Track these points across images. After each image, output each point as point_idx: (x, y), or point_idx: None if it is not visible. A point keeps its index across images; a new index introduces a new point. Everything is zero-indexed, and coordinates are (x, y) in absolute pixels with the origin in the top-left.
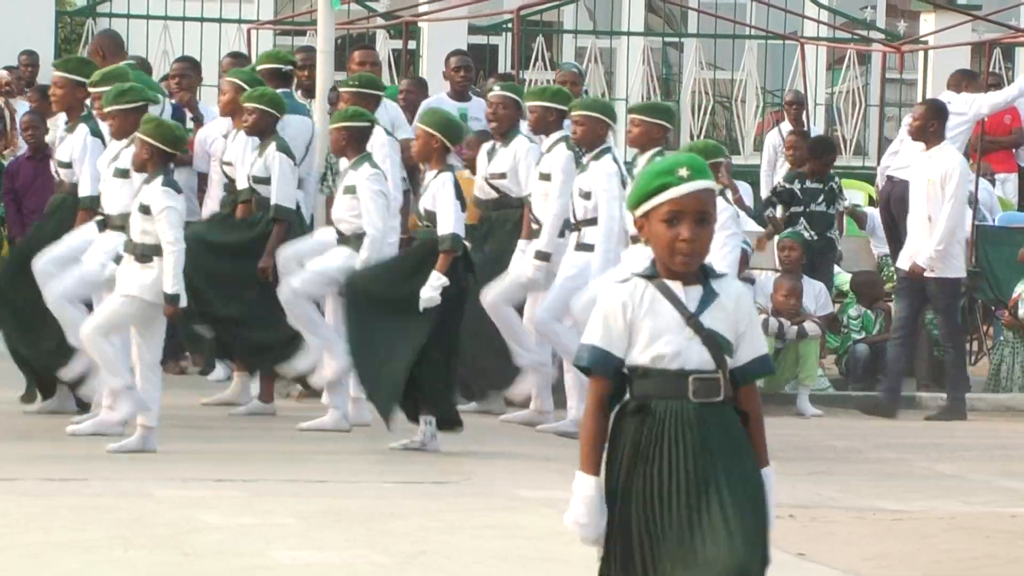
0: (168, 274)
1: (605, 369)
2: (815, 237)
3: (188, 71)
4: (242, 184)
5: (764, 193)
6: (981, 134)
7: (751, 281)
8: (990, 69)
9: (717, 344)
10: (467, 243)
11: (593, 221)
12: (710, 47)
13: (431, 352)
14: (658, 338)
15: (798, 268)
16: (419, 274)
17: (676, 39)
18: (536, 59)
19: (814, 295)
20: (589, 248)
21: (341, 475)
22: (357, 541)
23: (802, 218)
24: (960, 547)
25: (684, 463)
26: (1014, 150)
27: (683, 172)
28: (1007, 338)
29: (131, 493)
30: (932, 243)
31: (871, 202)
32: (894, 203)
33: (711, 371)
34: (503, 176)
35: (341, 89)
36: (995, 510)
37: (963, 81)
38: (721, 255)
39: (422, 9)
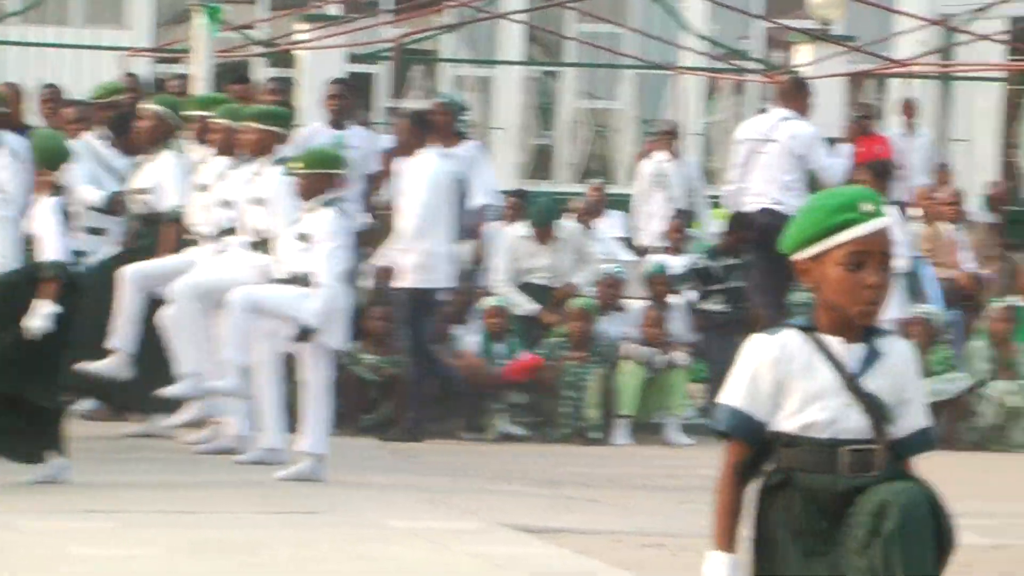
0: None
1: (746, 434)
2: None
3: (55, 96)
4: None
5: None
6: None
7: (620, 309)
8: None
9: (879, 410)
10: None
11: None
12: (588, 77)
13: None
14: (812, 403)
15: (664, 298)
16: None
17: (554, 68)
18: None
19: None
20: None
21: (214, 505)
22: (226, 572)
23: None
24: None
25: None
26: None
27: (868, 207)
28: None
29: None
30: None
31: None
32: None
33: (867, 441)
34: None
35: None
36: None
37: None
38: (327, 266)
39: (301, 37)
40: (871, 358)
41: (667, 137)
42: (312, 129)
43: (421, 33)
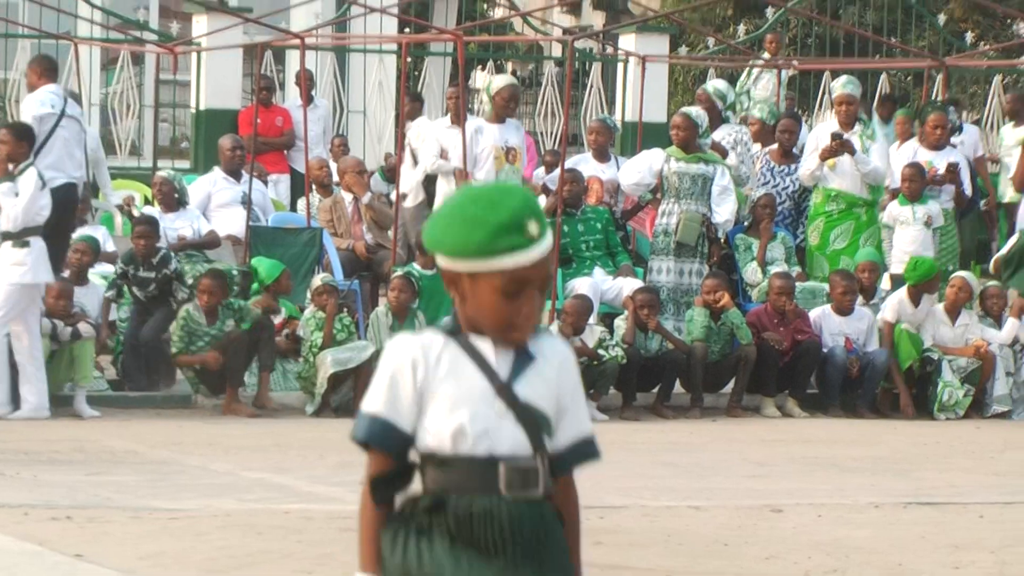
0: None
1: (387, 444)
2: None
3: None
4: None
5: None
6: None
7: None
8: (262, 71)
9: (535, 421)
10: None
11: None
12: None
13: None
14: (458, 409)
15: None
16: None
17: None
18: None
19: None
20: None
21: None
22: None
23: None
24: (234, 543)
25: None
26: (286, 151)
27: (533, 229)
28: None
29: None
30: None
31: (148, 202)
32: None
33: (527, 457)
34: None
35: None
36: (268, 507)
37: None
38: None
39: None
40: (523, 362)
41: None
42: None
43: None
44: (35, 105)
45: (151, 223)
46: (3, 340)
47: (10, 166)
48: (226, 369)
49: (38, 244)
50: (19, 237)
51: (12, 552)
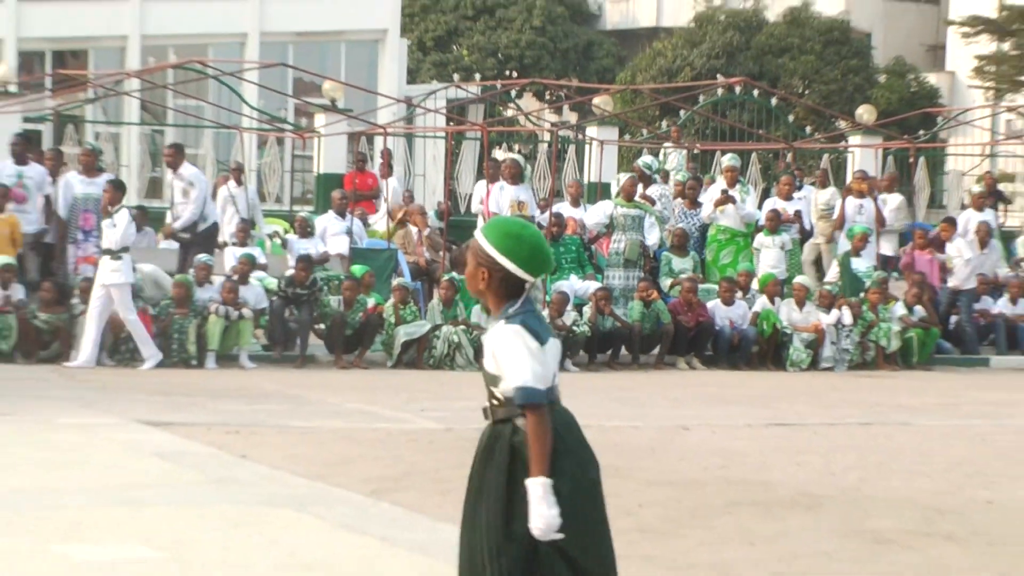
0: None
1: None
2: None
3: None
4: None
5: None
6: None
7: (211, 283)
8: (359, 149)
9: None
10: None
11: None
12: (182, 133)
13: None
14: None
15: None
16: None
17: (159, 127)
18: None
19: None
20: None
21: None
22: None
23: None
24: (342, 449)
25: None
26: (374, 200)
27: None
28: None
29: None
30: None
31: (287, 232)
32: None
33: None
34: None
35: None
36: (363, 426)
37: None
38: None
39: None
40: None
41: (235, 172)
42: (2, 165)
43: (72, 103)
44: (193, 173)
45: (308, 260)
46: (101, 313)
47: (110, 207)
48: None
49: (127, 257)
50: (115, 253)
51: (200, 453)
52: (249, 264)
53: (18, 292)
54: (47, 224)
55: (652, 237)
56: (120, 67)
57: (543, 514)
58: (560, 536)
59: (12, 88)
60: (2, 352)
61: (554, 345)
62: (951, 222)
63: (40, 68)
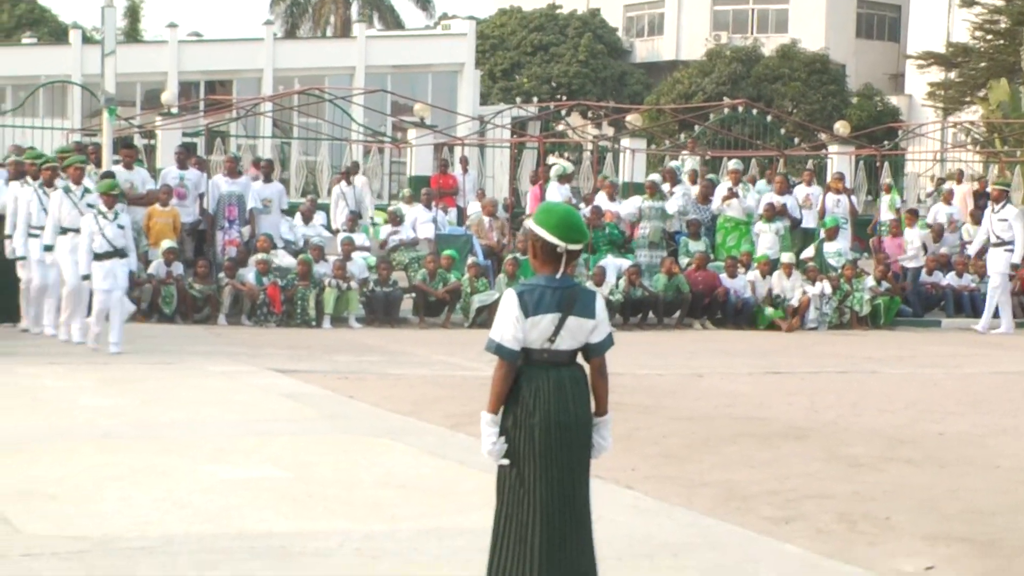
0: None
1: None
2: None
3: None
4: None
5: (333, 217)
6: None
7: (326, 260)
8: (442, 157)
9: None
10: None
11: None
12: (304, 146)
13: None
14: None
15: (349, 254)
16: None
17: (288, 140)
18: None
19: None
20: None
21: (114, 360)
22: (127, 394)
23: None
24: (428, 392)
25: None
26: (454, 196)
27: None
28: None
29: None
30: None
31: (385, 221)
32: None
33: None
34: None
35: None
36: (445, 373)
37: None
38: None
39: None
40: None
41: (346, 174)
42: (167, 170)
43: (219, 121)
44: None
45: (387, 263)
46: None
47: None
48: (446, 305)
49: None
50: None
51: (317, 395)
52: (350, 244)
53: (178, 268)
54: (200, 215)
55: (671, 223)
56: (257, 93)
57: (482, 439)
58: (506, 462)
59: (174, 110)
60: (165, 315)
61: (549, 319)
62: (913, 213)
63: (195, 94)
